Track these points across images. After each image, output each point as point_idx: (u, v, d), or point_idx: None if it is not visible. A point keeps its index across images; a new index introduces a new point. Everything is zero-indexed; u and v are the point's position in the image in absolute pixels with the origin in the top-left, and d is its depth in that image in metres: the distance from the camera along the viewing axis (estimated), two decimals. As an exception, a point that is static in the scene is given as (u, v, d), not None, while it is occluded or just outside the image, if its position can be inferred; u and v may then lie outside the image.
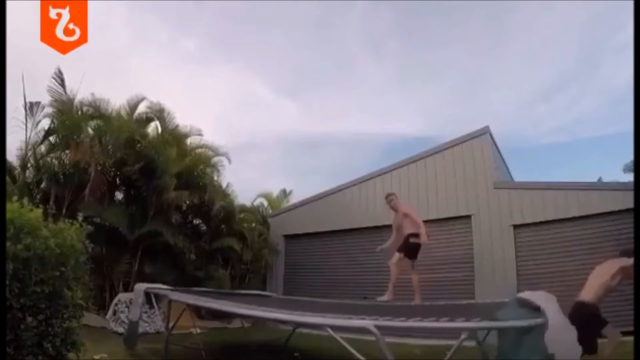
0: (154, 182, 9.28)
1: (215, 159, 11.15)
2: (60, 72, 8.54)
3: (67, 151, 8.60)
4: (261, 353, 6.87)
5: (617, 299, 6.66)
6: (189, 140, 10.97)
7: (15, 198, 3.37)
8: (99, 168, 8.54)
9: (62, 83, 8.62)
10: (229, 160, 11.06)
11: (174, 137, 10.27)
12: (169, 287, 6.47)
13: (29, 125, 8.66)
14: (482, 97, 25.55)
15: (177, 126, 10.50)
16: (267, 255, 11.57)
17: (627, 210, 6.68)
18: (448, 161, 9.32)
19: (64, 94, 8.70)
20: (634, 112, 4.03)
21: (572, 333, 2.72)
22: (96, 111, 9.21)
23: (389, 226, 9.59)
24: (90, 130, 9.11)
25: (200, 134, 11.03)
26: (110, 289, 8.74)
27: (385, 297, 5.67)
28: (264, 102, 23.88)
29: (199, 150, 11.11)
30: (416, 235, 5.76)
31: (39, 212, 3.43)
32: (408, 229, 5.90)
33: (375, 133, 26.44)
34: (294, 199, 13.85)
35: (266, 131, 25.33)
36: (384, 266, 8.74)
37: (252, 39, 22.55)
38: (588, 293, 4.25)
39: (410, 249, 5.82)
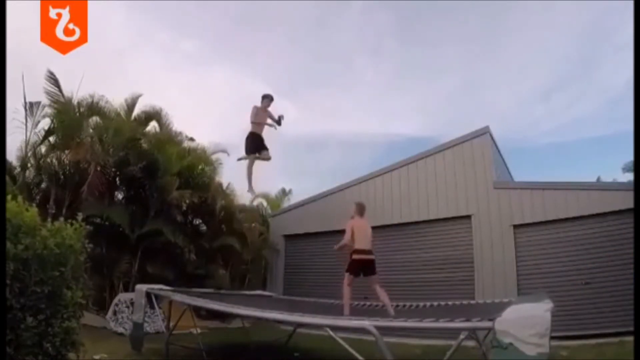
0: (156, 182, 9.28)
1: (215, 157, 11.17)
2: (52, 73, 8.55)
3: (67, 151, 8.60)
4: (261, 353, 6.88)
5: (616, 299, 6.68)
6: (185, 143, 11.01)
7: (10, 197, 3.36)
8: (98, 168, 8.54)
9: (56, 84, 8.62)
10: (228, 154, 11.08)
11: (170, 138, 10.29)
12: (170, 288, 6.47)
13: (29, 125, 8.68)
14: (482, 97, 25.55)
15: (172, 130, 10.52)
16: (267, 255, 11.57)
17: (627, 210, 6.68)
18: (448, 161, 9.32)
19: (60, 94, 8.70)
20: (634, 112, 4.03)
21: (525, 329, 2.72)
22: (95, 110, 9.21)
23: (389, 226, 9.66)
24: (90, 130, 9.11)
25: (192, 139, 11.08)
26: (110, 289, 8.73)
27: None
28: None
29: (197, 149, 11.12)
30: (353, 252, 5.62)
31: (34, 211, 3.42)
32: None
33: (375, 133, 26.44)
34: (294, 199, 13.87)
35: (266, 131, 25.23)
36: (383, 266, 8.75)
37: (251, 40, 22.58)
38: None
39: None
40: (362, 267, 5.43)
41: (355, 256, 5.44)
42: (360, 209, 6.02)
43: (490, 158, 8.85)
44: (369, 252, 5.56)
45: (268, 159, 6.79)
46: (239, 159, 6.88)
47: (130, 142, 9.44)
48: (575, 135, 30.02)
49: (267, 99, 6.78)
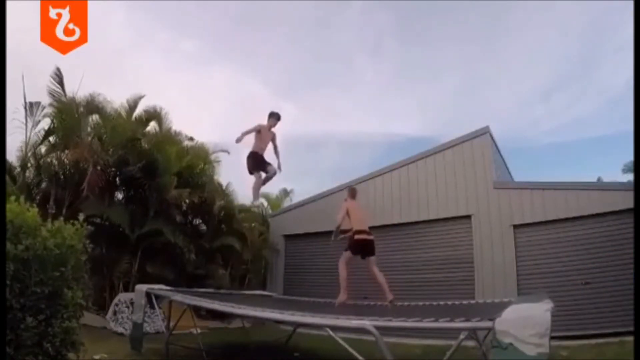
0: (156, 181, 9.29)
1: (215, 156, 11.19)
2: (59, 71, 8.54)
3: (67, 151, 8.60)
4: (261, 353, 6.88)
5: (616, 299, 6.68)
6: (185, 143, 11.03)
7: (13, 198, 3.37)
8: (98, 167, 8.54)
9: (61, 82, 8.63)
10: (228, 153, 11.12)
11: (170, 138, 10.30)
12: (170, 288, 6.47)
13: (29, 125, 8.68)
14: (482, 97, 25.55)
15: (171, 129, 10.54)
16: (267, 255, 11.57)
17: (627, 210, 6.68)
18: (448, 161, 9.32)
19: (63, 93, 8.70)
20: (634, 112, 4.03)
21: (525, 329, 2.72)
22: (94, 108, 9.22)
23: (389, 226, 9.66)
24: (89, 128, 9.13)
25: (191, 139, 11.09)
26: (110, 289, 8.74)
27: (341, 299, 5.59)
28: (264, 102, 23.88)
29: (196, 148, 11.14)
30: (355, 232, 5.71)
31: (35, 211, 3.43)
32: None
33: (375, 133, 26.43)
34: (295, 199, 13.87)
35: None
36: (383, 266, 8.75)
37: (251, 40, 22.57)
38: None
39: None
40: (363, 247, 5.49)
41: (357, 236, 5.54)
42: (353, 192, 6.23)
43: (490, 158, 8.85)
44: (369, 232, 5.65)
45: (274, 173, 6.47)
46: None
47: (129, 141, 9.44)
48: (576, 135, 30.11)
49: (274, 117, 6.42)
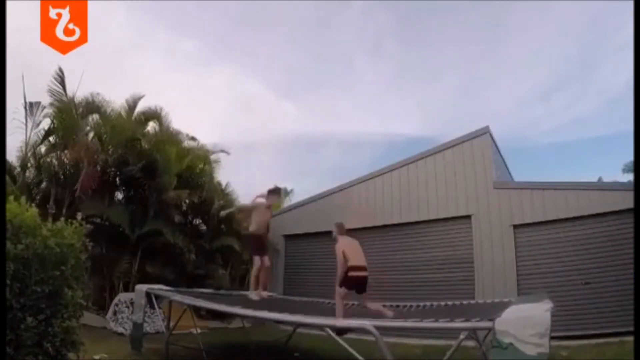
0: (155, 181, 9.28)
1: (214, 156, 11.20)
2: (61, 71, 8.54)
3: (67, 151, 8.60)
4: (261, 353, 6.88)
5: (616, 299, 6.68)
6: (186, 143, 11.06)
7: (12, 197, 3.36)
8: (98, 167, 8.54)
9: (62, 82, 8.62)
10: (228, 153, 11.14)
11: (170, 138, 10.31)
12: (170, 288, 6.47)
13: (29, 125, 8.67)
14: (482, 97, 25.56)
15: (171, 129, 10.53)
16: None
17: (627, 210, 6.68)
18: (448, 161, 9.32)
19: (64, 93, 8.70)
20: (634, 112, 4.03)
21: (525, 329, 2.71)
22: (94, 108, 9.22)
23: (389, 226, 9.67)
24: (88, 128, 9.13)
25: (193, 139, 11.11)
26: (110, 289, 8.74)
27: None
28: (264, 102, 23.90)
29: (197, 149, 11.15)
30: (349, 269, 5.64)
31: (34, 211, 3.42)
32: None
33: (375, 133, 26.49)
34: (295, 199, 13.88)
35: (266, 131, 25.28)
36: (383, 266, 8.76)
37: (252, 40, 22.58)
38: None
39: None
40: (356, 284, 5.36)
41: (352, 273, 5.33)
42: (342, 229, 6.01)
43: (490, 158, 8.85)
44: (364, 268, 5.49)
45: (269, 267, 6.57)
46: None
47: (129, 141, 9.45)
48: (576, 135, 30.15)
49: (275, 195, 6.25)
